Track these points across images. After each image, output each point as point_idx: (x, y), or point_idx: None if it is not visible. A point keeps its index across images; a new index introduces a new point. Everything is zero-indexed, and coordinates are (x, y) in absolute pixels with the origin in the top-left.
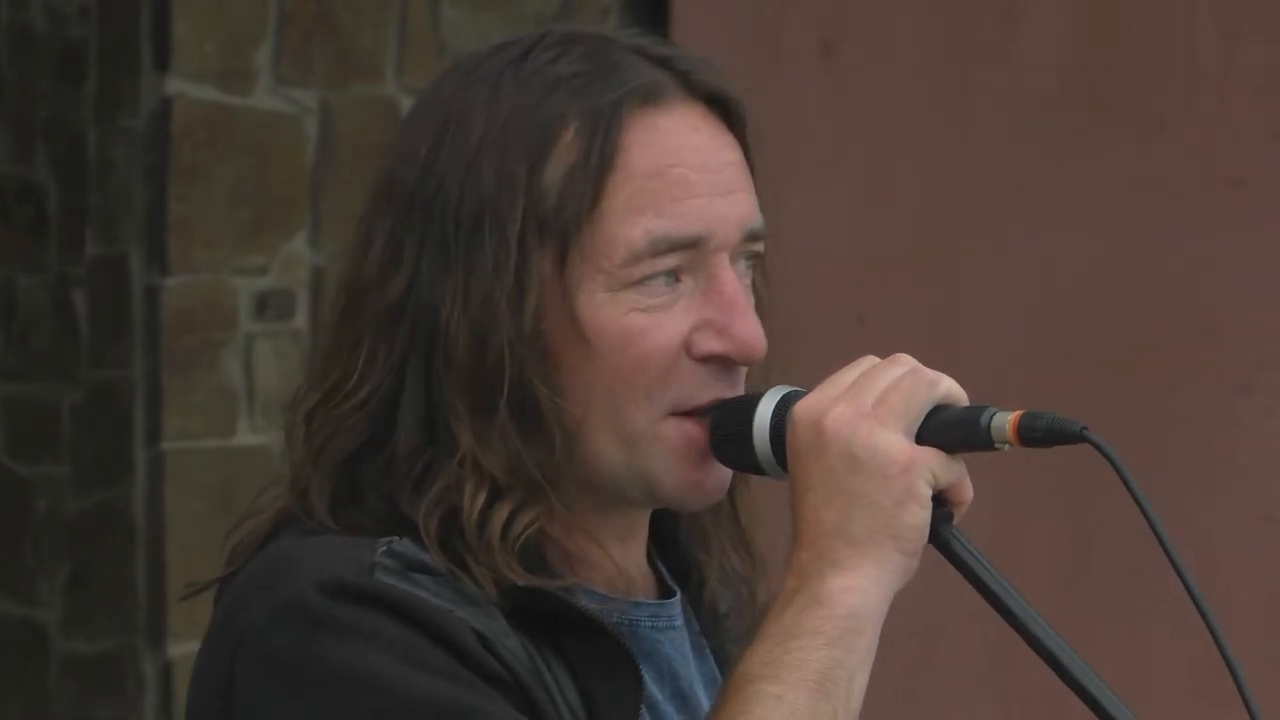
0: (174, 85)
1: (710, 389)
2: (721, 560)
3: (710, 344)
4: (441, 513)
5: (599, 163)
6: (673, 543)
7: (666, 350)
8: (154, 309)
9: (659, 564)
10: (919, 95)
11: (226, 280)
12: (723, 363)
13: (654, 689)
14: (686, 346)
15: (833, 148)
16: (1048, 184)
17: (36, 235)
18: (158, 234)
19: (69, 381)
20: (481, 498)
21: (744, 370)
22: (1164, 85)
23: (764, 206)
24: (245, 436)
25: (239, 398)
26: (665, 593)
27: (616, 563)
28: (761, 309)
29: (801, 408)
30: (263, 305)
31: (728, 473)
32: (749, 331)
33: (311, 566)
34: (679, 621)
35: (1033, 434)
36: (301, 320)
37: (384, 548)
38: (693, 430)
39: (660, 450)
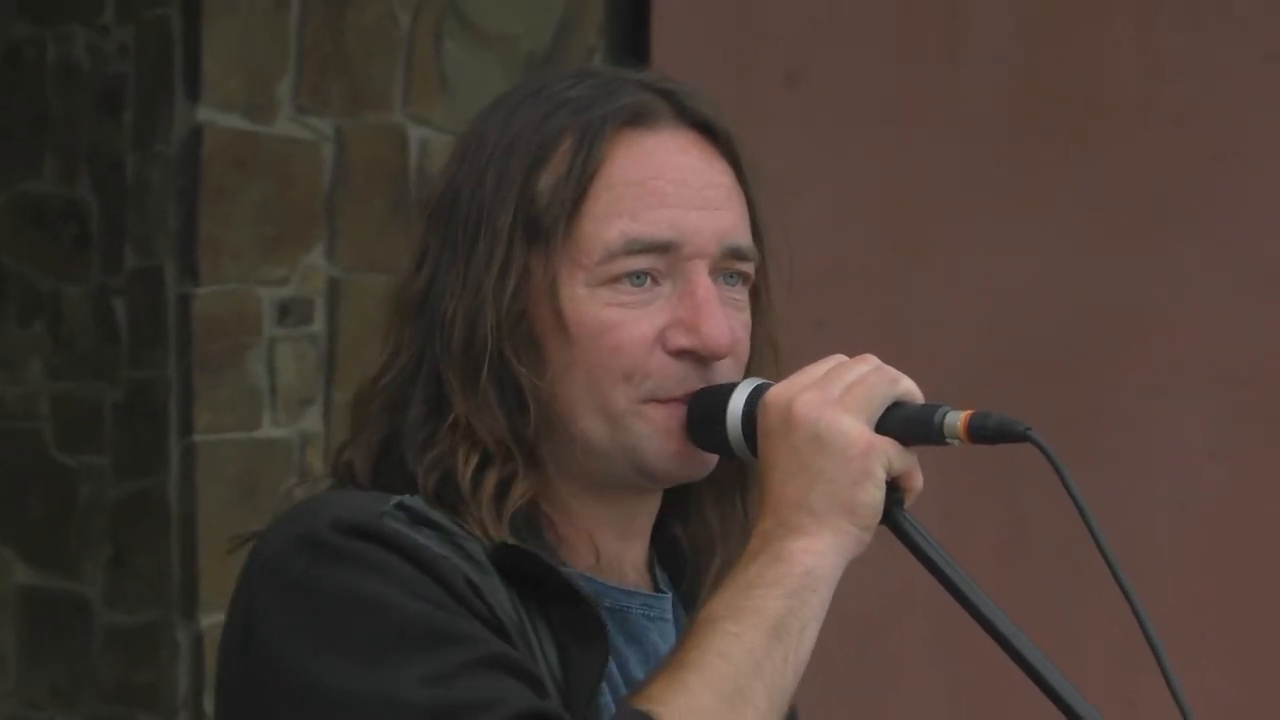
0: (204, 115)
1: (684, 383)
2: (727, 558)
3: (680, 340)
4: (440, 473)
5: (582, 170)
6: (672, 547)
7: (638, 342)
8: (186, 316)
9: (656, 568)
10: (875, 121)
11: (251, 290)
12: (693, 358)
13: (638, 671)
14: (661, 342)
15: (797, 169)
16: (990, 204)
17: (81, 250)
18: (189, 248)
19: (110, 381)
20: (474, 460)
21: (719, 367)
22: (1098, 115)
23: (772, 232)
24: (268, 430)
25: (263, 395)
26: (659, 593)
27: (612, 554)
28: (757, 329)
29: (774, 393)
30: (284, 312)
31: (711, 453)
32: (714, 330)
33: (328, 509)
34: (669, 616)
35: (981, 432)
36: (319, 325)
37: (396, 501)
38: (675, 410)
39: (643, 427)
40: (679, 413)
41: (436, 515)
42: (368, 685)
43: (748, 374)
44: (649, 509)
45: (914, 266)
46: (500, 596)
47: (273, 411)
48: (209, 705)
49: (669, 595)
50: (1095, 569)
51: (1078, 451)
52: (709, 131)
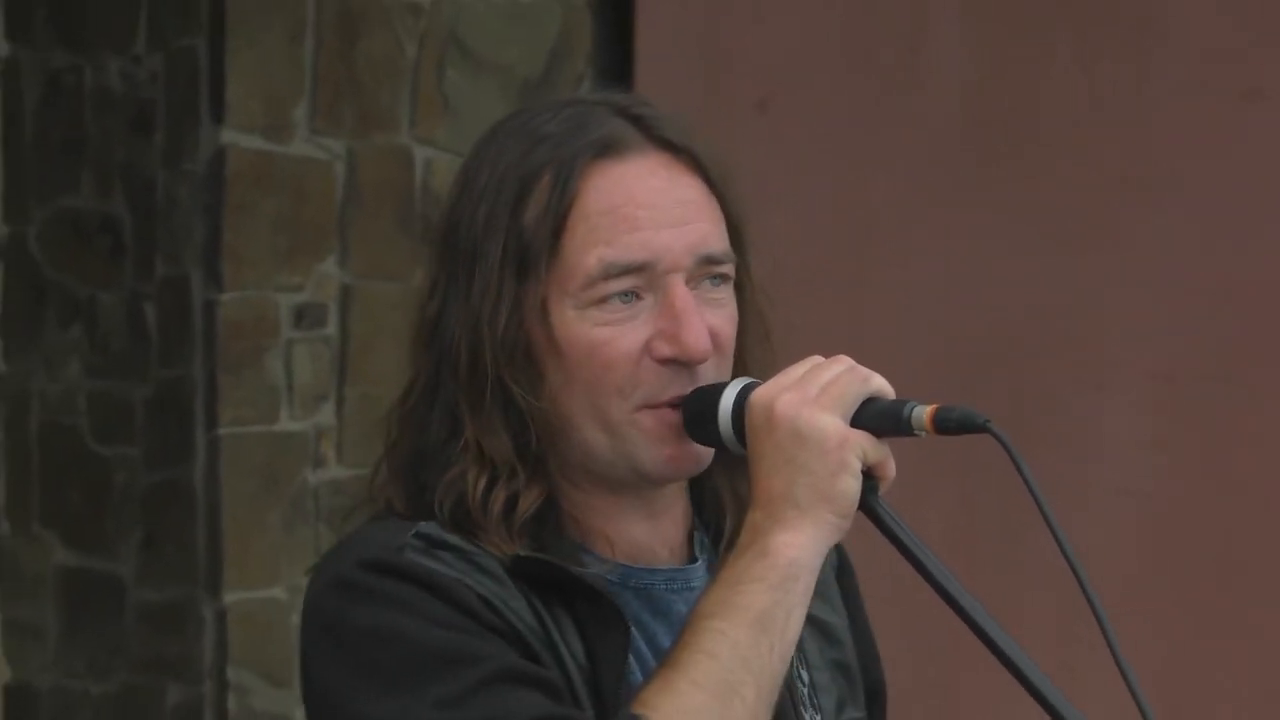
0: (227, 136)
1: (671, 387)
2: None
3: (664, 349)
4: (454, 496)
5: (559, 204)
6: (707, 498)
7: (627, 356)
8: (211, 320)
9: (697, 532)
10: (838, 141)
11: (270, 296)
12: (677, 364)
13: (665, 641)
14: (649, 351)
15: (768, 185)
16: (944, 216)
17: (115, 260)
18: (214, 258)
19: (142, 380)
20: (483, 481)
21: (703, 369)
22: (1043, 133)
23: (753, 235)
24: (286, 424)
25: (281, 392)
26: (691, 561)
27: (641, 536)
28: (746, 318)
29: (758, 394)
30: (300, 316)
31: (704, 450)
32: (692, 338)
33: (357, 548)
34: (696, 583)
35: (946, 424)
36: (332, 329)
37: (414, 531)
38: (665, 415)
39: (638, 436)
40: (669, 416)
41: (452, 538)
42: (386, 712)
43: (741, 358)
44: (672, 486)
45: (877, 273)
46: (518, 605)
47: (290, 407)
48: (232, 675)
49: (699, 562)
50: (1038, 549)
51: (1024, 442)
52: (678, 151)
